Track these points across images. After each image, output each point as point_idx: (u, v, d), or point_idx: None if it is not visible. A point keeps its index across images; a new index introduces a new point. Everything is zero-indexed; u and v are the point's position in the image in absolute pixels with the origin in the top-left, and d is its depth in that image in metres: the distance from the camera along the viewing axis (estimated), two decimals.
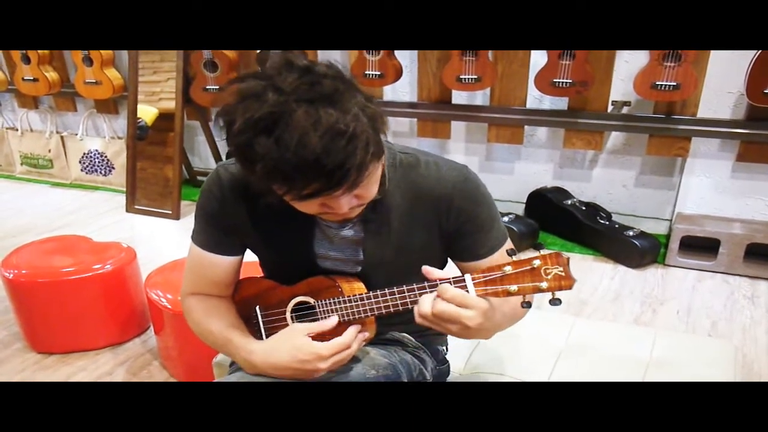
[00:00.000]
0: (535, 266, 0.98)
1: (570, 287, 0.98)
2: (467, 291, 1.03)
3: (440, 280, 1.05)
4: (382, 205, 1.18)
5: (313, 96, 0.92)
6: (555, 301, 0.98)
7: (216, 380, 1.18)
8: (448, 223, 1.19)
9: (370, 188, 1.06)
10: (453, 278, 1.04)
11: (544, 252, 0.99)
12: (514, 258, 1.00)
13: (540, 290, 0.98)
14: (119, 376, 2.30)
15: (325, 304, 1.19)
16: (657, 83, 2.82)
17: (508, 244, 1.24)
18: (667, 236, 3.27)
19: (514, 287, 0.99)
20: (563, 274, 0.97)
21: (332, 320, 1.17)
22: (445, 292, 1.02)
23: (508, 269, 0.99)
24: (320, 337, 1.16)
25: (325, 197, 0.99)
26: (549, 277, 0.97)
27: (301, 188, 0.96)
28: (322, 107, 0.91)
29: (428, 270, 1.06)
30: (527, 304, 1.01)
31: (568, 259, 0.98)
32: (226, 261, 1.29)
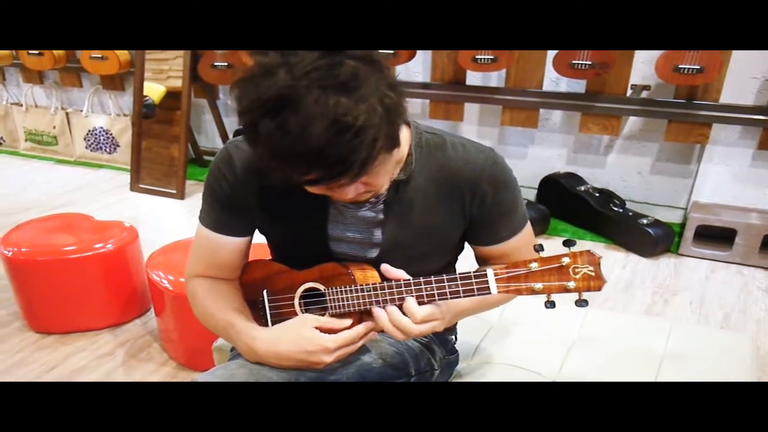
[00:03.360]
0: (563, 264, 0.93)
1: (599, 288, 0.93)
2: (488, 287, 0.99)
3: (461, 276, 1.01)
4: (406, 187, 1.14)
5: (327, 81, 0.86)
6: (582, 303, 0.94)
7: (218, 378, 1.13)
8: (472, 207, 1.16)
9: (381, 177, 1.02)
10: (474, 272, 1.00)
11: (574, 249, 0.93)
12: (542, 254, 0.94)
13: (567, 290, 0.94)
14: (119, 358, 2.27)
15: (336, 292, 1.14)
16: (680, 66, 2.75)
17: (528, 228, 1.22)
18: (682, 225, 3.23)
19: (539, 285, 0.95)
20: (593, 274, 0.93)
21: (344, 322, 1.12)
22: (414, 316, 1.04)
23: (534, 266, 0.95)
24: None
25: (328, 185, 0.95)
26: (578, 276, 0.93)
27: (301, 175, 0.92)
28: (334, 95, 0.85)
29: (386, 269, 1.08)
30: (551, 304, 0.96)
31: (600, 258, 0.93)
32: (234, 242, 1.25)
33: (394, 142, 0.96)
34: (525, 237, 1.21)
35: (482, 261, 1.28)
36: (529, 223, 1.22)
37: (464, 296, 1.02)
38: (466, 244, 1.28)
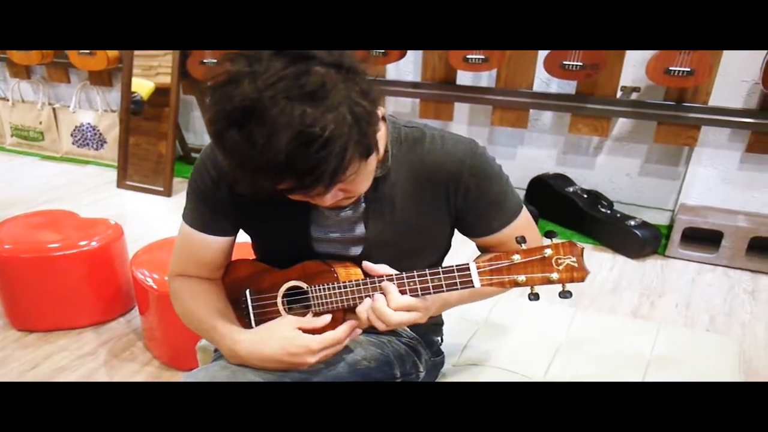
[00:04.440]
0: (546, 255, 0.93)
1: (582, 279, 0.92)
2: (471, 280, 0.98)
3: (443, 270, 1.00)
4: (385, 183, 1.12)
5: (293, 92, 0.83)
6: (565, 294, 0.93)
7: (200, 379, 1.11)
8: (457, 201, 1.14)
9: (359, 184, 1.00)
10: (456, 266, 0.99)
11: (556, 241, 0.93)
12: (524, 246, 0.93)
13: (550, 281, 0.93)
14: (101, 357, 2.24)
15: (319, 289, 1.13)
16: (670, 69, 2.76)
17: (524, 214, 1.19)
18: (669, 227, 3.23)
19: (522, 277, 0.94)
20: (576, 265, 0.92)
21: (324, 318, 1.11)
22: (393, 301, 1.02)
23: (517, 258, 0.94)
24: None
25: (303, 194, 0.94)
26: (560, 267, 0.92)
27: (271, 185, 0.91)
28: (300, 105, 0.83)
29: (369, 266, 1.07)
30: (535, 296, 0.95)
31: (582, 249, 0.93)
32: (217, 242, 1.23)
33: (369, 150, 0.94)
34: (522, 224, 1.19)
35: (482, 250, 1.26)
36: (524, 209, 1.20)
37: (447, 290, 1.01)
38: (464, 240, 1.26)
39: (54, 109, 4.55)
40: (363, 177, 0.99)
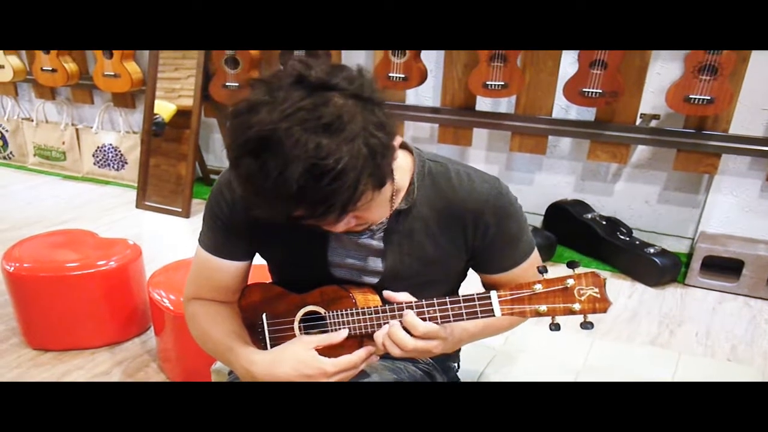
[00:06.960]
0: (568, 286, 0.92)
1: (605, 310, 0.92)
2: (492, 309, 0.97)
3: (464, 298, 0.99)
4: (407, 216, 1.12)
5: (309, 123, 0.84)
6: (587, 325, 0.92)
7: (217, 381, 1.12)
8: (475, 237, 1.14)
9: (372, 212, 1.01)
10: (477, 295, 0.98)
11: (579, 271, 0.92)
12: (546, 276, 0.92)
13: (572, 312, 0.92)
14: (115, 377, 2.24)
15: (337, 315, 1.12)
16: (690, 96, 2.74)
17: (535, 256, 1.19)
18: (689, 255, 3.19)
19: (543, 307, 0.93)
20: (598, 295, 0.91)
21: (341, 334, 1.11)
22: (416, 329, 1.01)
23: (539, 288, 0.93)
24: (327, 350, 1.10)
25: (315, 222, 0.94)
26: (583, 298, 0.91)
27: (285, 214, 0.91)
28: (315, 137, 0.84)
29: (390, 295, 1.06)
30: (556, 327, 0.94)
31: (605, 280, 0.92)
32: (233, 266, 1.23)
33: (382, 181, 0.94)
34: (531, 264, 1.19)
35: (488, 287, 1.26)
36: (536, 250, 1.20)
37: (467, 318, 1.00)
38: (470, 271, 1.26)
39: (77, 130, 4.61)
40: (376, 205, 0.99)
